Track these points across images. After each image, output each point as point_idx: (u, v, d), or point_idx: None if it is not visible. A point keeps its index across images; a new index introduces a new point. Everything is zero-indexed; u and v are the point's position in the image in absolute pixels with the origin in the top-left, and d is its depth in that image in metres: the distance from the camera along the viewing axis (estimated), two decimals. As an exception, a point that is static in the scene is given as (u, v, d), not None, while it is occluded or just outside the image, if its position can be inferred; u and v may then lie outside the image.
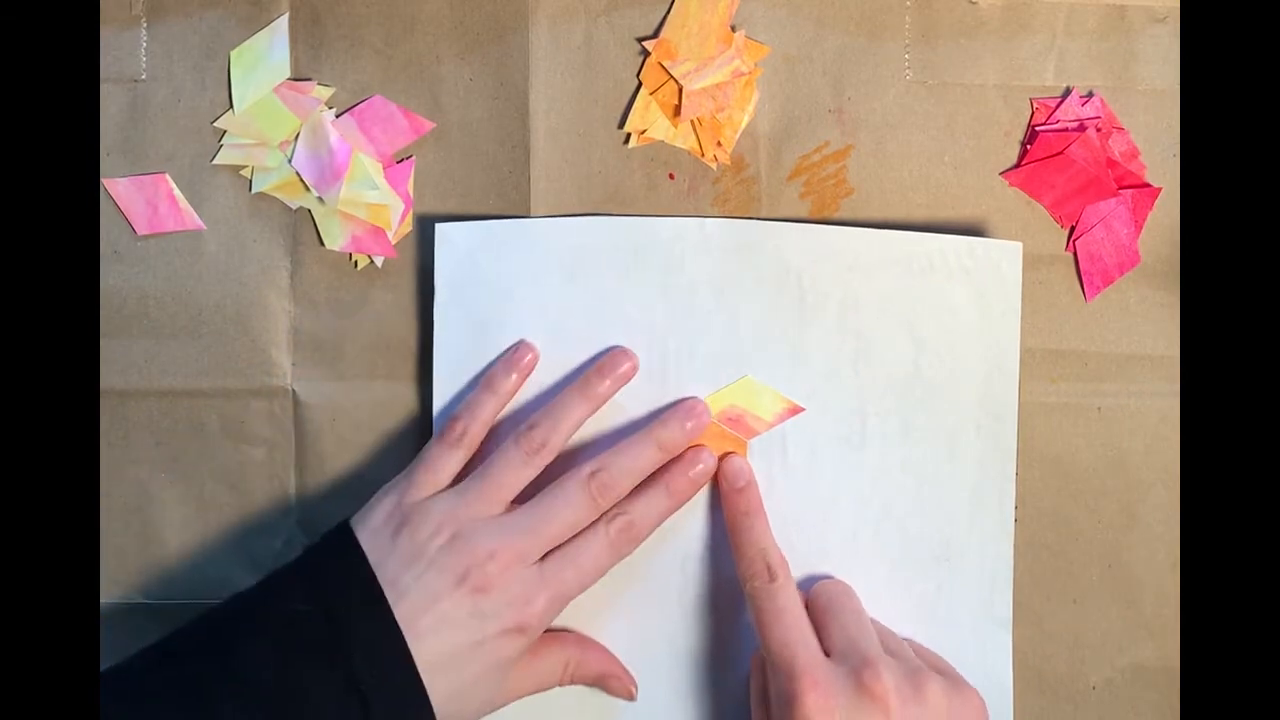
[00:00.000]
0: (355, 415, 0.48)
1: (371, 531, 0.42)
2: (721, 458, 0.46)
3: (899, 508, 0.47)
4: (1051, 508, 0.48)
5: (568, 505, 0.42)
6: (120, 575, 0.48)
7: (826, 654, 0.41)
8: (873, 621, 0.44)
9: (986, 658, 0.47)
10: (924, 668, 0.41)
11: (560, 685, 0.45)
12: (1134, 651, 0.49)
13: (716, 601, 0.47)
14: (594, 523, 0.43)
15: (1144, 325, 0.49)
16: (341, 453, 0.48)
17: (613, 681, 0.45)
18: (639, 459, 0.44)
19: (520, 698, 0.44)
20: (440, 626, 0.40)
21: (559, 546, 0.42)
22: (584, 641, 0.46)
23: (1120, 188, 0.48)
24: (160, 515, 0.48)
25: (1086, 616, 0.49)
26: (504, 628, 0.40)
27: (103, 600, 0.47)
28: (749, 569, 0.43)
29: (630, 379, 0.46)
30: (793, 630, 0.41)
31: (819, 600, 0.44)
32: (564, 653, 0.45)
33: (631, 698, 0.46)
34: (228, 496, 0.47)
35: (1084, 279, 0.48)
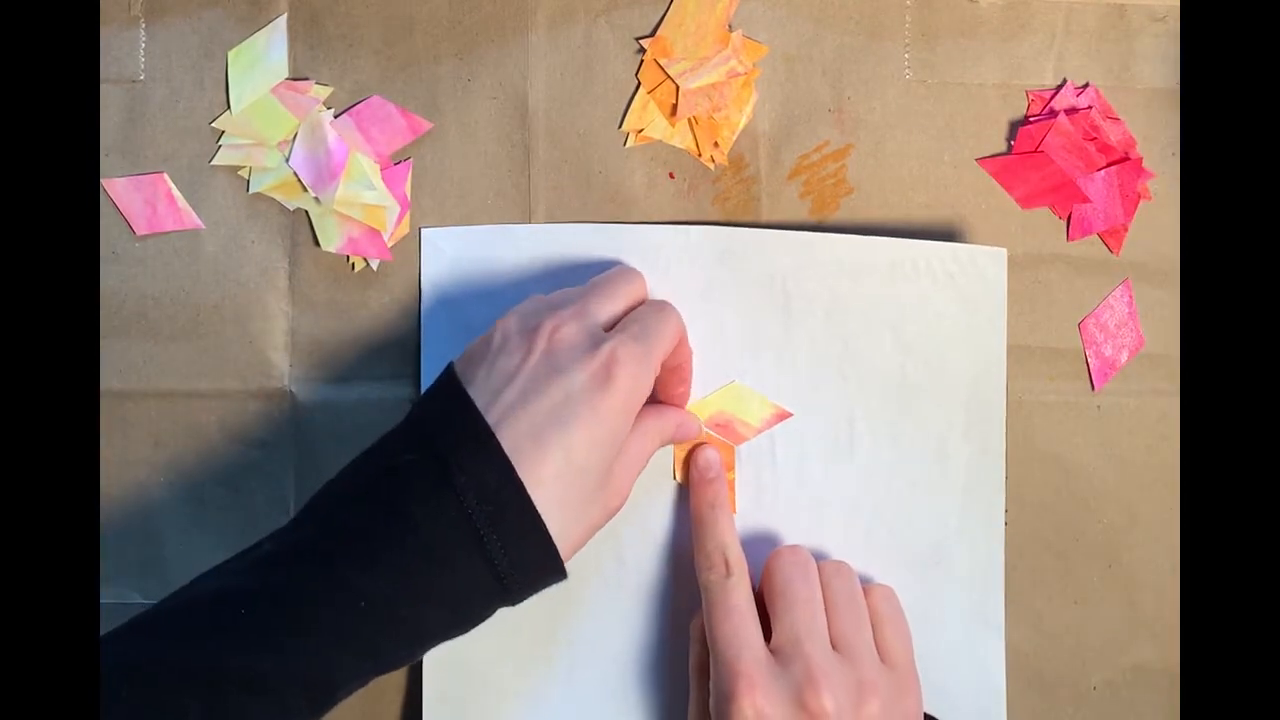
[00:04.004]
0: (353, 417, 0.48)
1: (465, 359, 0.41)
2: (694, 448, 0.46)
3: (888, 512, 0.47)
4: (1051, 507, 0.48)
5: (621, 277, 0.43)
6: (120, 575, 0.48)
7: (772, 643, 0.41)
8: (834, 588, 0.43)
9: (979, 662, 0.47)
10: (870, 679, 0.40)
11: (657, 449, 0.44)
12: (1135, 652, 0.49)
13: (679, 595, 0.47)
14: None
15: (1144, 324, 0.49)
16: (340, 454, 0.47)
17: (687, 425, 0.45)
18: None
19: (624, 496, 0.41)
20: (525, 398, 0.38)
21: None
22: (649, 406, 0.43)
23: (1108, 164, 0.48)
24: (160, 515, 0.48)
25: (1087, 617, 0.49)
26: (589, 372, 0.38)
27: (103, 600, 0.47)
28: (706, 562, 0.43)
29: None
30: (741, 629, 0.41)
31: (774, 581, 0.43)
32: (645, 422, 0.42)
33: (701, 433, 0.46)
34: (227, 497, 0.47)
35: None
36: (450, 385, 0.39)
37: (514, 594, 0.38)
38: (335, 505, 0.38)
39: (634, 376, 0.39)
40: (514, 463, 0.37)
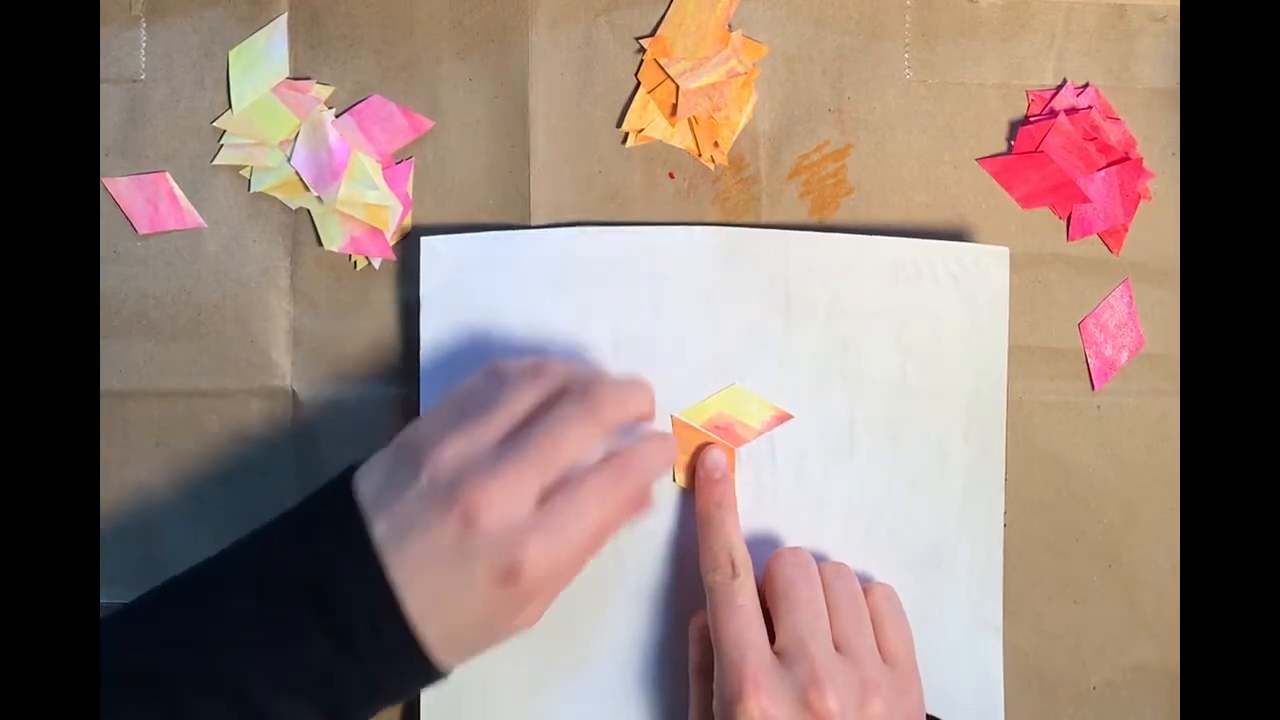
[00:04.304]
0: (355, 416, 0.48)
1: (367, 469, 0.39)
2: (701, 447, 0.46)
3: (888, 514, 0.47)
4: (1051, 507, 0.48)
5: (566, 424, 0.39)
6: (120, 575, 0.48)
7: (776, 644, 0.41)
8: (835, 589, 0.43)
9: (978, 662, 0.47)
10: (873, 679, 0.41)
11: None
12: (1134, 652, 0.49)
13: (680, 595, 0.47)
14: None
15: (1144, 324, 0.49)
16: (341, 453, 0.47)
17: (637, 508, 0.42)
18: (639, 397, 0.41)
19: (539, 618, 0.41)
20: (428, 560, 0.36)
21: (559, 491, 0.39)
22: None
23: (1108, 164, 0.48)
24: (160, 515, 0.48)
25: (1087, 616, 0.49)
26: (492, 573, 0.36)
27: (103, 600, 0.47)
28: (712, 562, 0.43)
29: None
30: (746, 629, 0.41)
31: (777, 583, 0.43)
32: None
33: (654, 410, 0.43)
34: (228, 496, 0.47)
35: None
36: (351, 509, 0.38)
37: (396, 701, 0.38)
38: (223, 592, 0.37)
39: (543, 578, 0.37)
40: (401, 601, 0.36)
